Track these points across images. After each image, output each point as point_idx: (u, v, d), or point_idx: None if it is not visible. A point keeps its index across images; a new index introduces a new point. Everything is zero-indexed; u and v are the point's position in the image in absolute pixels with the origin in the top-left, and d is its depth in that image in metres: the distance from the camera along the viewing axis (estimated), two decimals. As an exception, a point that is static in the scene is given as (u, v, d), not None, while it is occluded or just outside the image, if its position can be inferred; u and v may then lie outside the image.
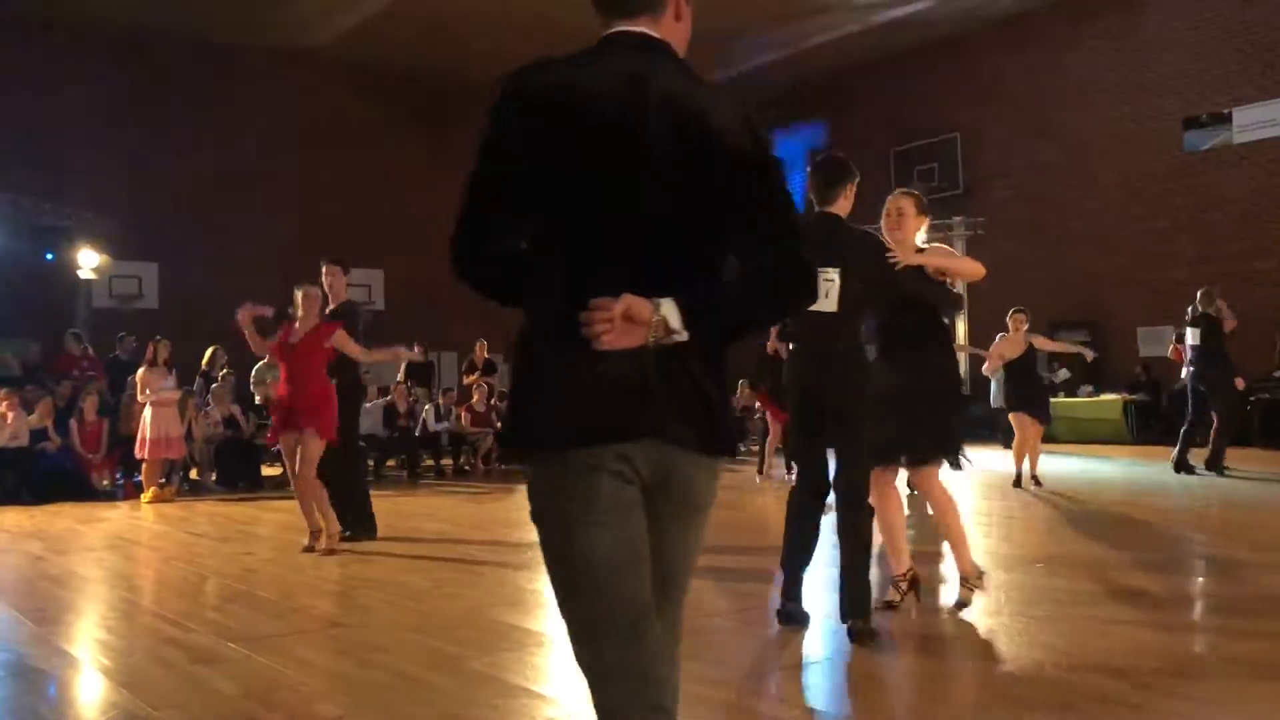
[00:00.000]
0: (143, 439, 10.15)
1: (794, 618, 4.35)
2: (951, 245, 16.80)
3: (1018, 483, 9.57)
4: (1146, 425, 15.03)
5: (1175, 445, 10.80)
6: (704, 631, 4.61)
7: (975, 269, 4.76)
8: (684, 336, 1.67)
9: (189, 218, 15.93)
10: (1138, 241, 15.81)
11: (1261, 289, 14.31)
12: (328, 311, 7.03)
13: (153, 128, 16.00)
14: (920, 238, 4.69)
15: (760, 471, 11.20)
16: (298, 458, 6.58)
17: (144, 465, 10.25)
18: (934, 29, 17.11)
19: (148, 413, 10.19)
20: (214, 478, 11.39)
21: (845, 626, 4.14)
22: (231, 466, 11.52)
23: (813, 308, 4.21)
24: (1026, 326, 9.84)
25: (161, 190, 15.85)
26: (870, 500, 4.35)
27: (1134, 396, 15.39)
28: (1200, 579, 5.61)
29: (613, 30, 1.83)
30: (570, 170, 1.71)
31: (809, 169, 4.54)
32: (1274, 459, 10.96)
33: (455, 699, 3.41)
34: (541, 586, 4.82)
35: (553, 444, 1.74)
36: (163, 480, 10.44)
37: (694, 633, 4.57)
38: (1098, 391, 15.89)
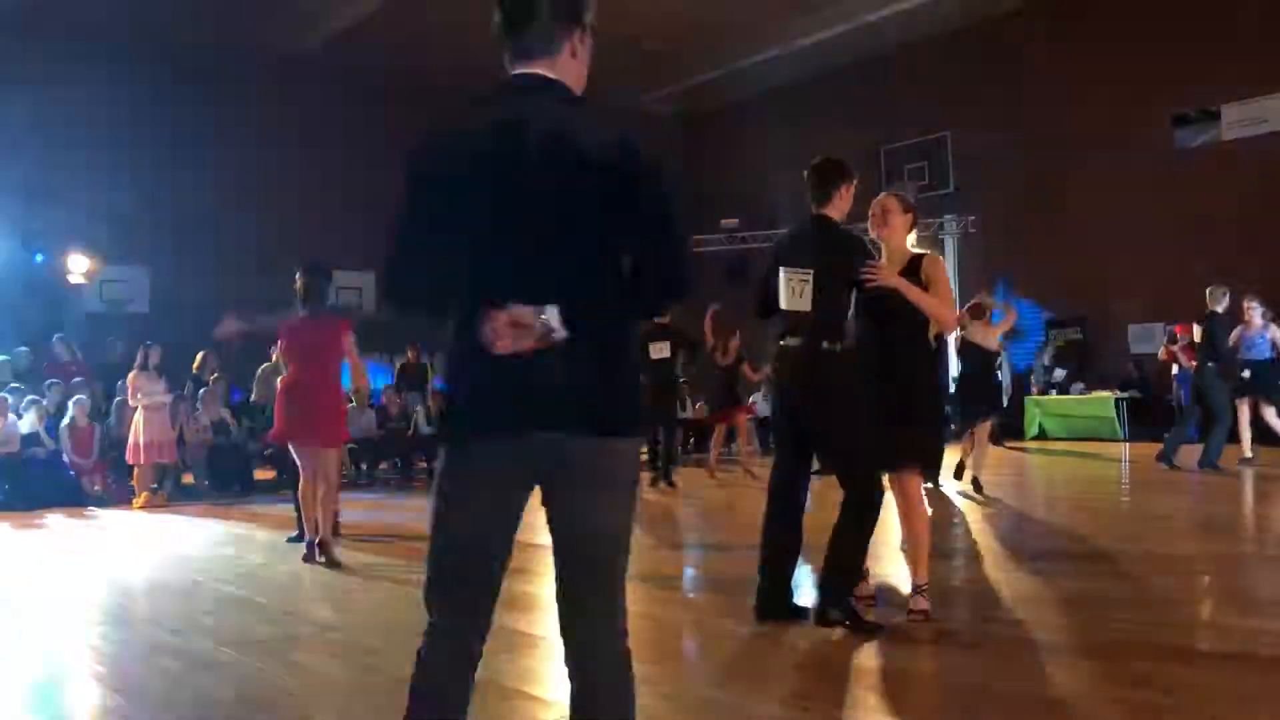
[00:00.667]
0: (135, 443, 10.12)
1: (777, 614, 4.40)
2: (941, 244, 16.88)
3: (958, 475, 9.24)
4: (1138, 422, 15.07)
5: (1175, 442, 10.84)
6: (706, 633, 4.61)
7: (946, 317, 4.48)
8: (562, 335, 1.94)
9: (180, 222, 15.87)
10: (1128, 239, 15.86)
11: (1251, 286, 14.36)
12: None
13: (144, 131, 15.92)
14: (910, 239, 4.66)
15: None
16: (319, 466, 6.42)
17: (136, 470, 10.22)
18: (924, 27, 17.13)
19: (139, 417, 10.16)
20: (206, 482, 11.36)
21: (815, 607, 4.35)
22: (223, 471, 11.49)
23: (789, 308, 4.32)
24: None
25: (153, 194, 15.78)
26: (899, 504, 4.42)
27: (1125, 394, 15.44)
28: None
29: (512, 73, 2.11)
30: (462, 206, 2.02)
31: (806, 171, 4.54)
32: (1268, 455, 10.96)
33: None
34: (537, 589, 4.81)
35: (458, 439, 2.07)
36: (154, 485, 10.41)
37: (694, 632, 4.58)
38: (1089, 389, 15.95)
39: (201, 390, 11.83)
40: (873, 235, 4.61)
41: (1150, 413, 14.92)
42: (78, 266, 14.28)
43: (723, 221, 18.37)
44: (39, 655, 4.32)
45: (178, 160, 16.04)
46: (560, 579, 2.08)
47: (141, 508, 9.88)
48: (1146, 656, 3.79)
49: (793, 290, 4.30)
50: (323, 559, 6.32)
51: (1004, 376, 15.26)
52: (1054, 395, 16.34)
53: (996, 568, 5.67)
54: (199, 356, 12.47)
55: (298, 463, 6.55)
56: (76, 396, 10.96)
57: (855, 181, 4.49)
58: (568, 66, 2.12)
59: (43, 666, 4.15)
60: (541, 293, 1.95)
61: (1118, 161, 15.96)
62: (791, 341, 4.35)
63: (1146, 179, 15.74)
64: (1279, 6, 14.42)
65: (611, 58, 16.24)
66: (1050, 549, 6.41)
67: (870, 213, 4.66)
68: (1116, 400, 15.35)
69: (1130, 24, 15.93)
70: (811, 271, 4.27)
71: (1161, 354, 13.44)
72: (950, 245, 16.99)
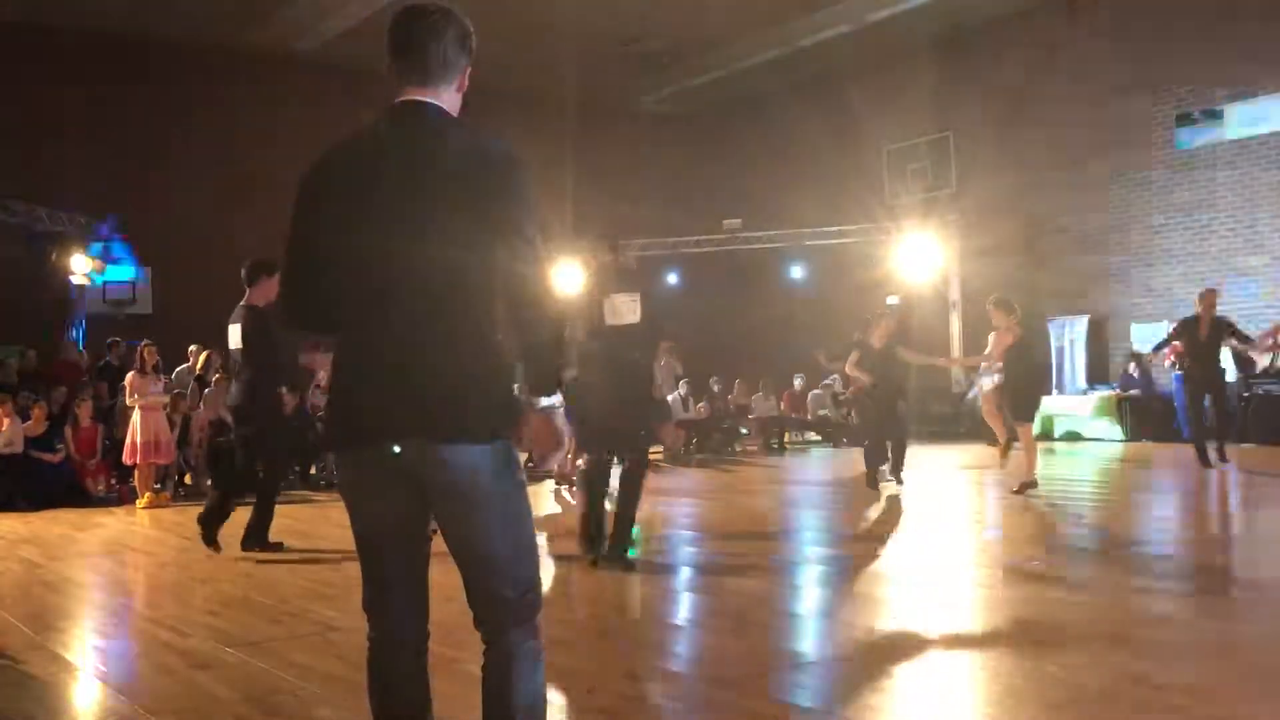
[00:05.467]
0: (132, 444, 10.07)
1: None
2: (945, 244, 16.84)
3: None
4: (1140, 422, 15.06)
5: (1171, 441, 10.82)
6: (702, 630, 4.63)
7: None
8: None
9: (182, 222, 15.89)
10: (1131, 239, 15.85)
11: (1253, 285, 14.37)
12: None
13: (146, 132, 15.98)
14: None
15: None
16: None
17: (136, 470, 10.22)
18: (927, 27, 17.12)
19: (136, 417, 10.09)
20: (209, 482, 11.36)
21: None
22: (227, 471, 11.49)
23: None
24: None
25: (155, 195, 15.82)
26: None
27: (1127, 393, 15.42)
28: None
29: (398, 99, 2.24)
30: (337, 228, 2.15)
31: None
32: (1268, 455, 10.97)
33: (453, 703, 3.39)
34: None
35: (337, 446, 2.25)
36: (157, 485, 10.42)
37: (689, 632, 4.59)
38: (1091, 389, 15.93)
39: (206, 390, 11.84)
40: None
41: (1151, 412, 14.91)
42: (80, 267, 14.29)
43: (725, 222, 18.38)
44: (41, 655, 4.33)
45: (180, 160, 16.08)
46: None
47: (145, 508, 9.89)
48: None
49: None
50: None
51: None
52: (1053, 395, 16.31)
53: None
54: (203, 357, 12.47)
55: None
56: (80, 397, 10.97)
57: None
58: (452, 96, 2.28)
59: (45, 666, 4.16)
60: (411, 305, 2.10)
61: (1120, 161, 15.95)
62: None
63: (1149, 178, 15.74)
64: (1277, 8, 14.41)
65: (611, 59, 16.22)
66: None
67: None
68: (1119, 401, 15.33)
69: (1133, 23, 15.92)
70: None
71: (1168, 352, 13.46)
72: (953, 245, 16.96)
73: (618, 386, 5.65)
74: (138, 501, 10.08)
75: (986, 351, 9.57)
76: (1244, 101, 14.94)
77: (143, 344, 10.56)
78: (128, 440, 10.16)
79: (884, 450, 9.93)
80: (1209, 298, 10.53)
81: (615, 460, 6.00)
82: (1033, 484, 8.88)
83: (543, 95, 18.30)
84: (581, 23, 15.99)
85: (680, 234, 18.07)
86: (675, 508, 9.17)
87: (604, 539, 5.88)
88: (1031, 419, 9.32)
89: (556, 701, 3.39)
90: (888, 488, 9.60)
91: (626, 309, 5.71)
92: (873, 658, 3.94)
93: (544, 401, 2.19)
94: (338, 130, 2.33)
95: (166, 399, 10.61)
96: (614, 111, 20.31)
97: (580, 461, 6.07)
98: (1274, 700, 3.30)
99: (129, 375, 10.46)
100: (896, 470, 9.91)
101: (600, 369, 5.68)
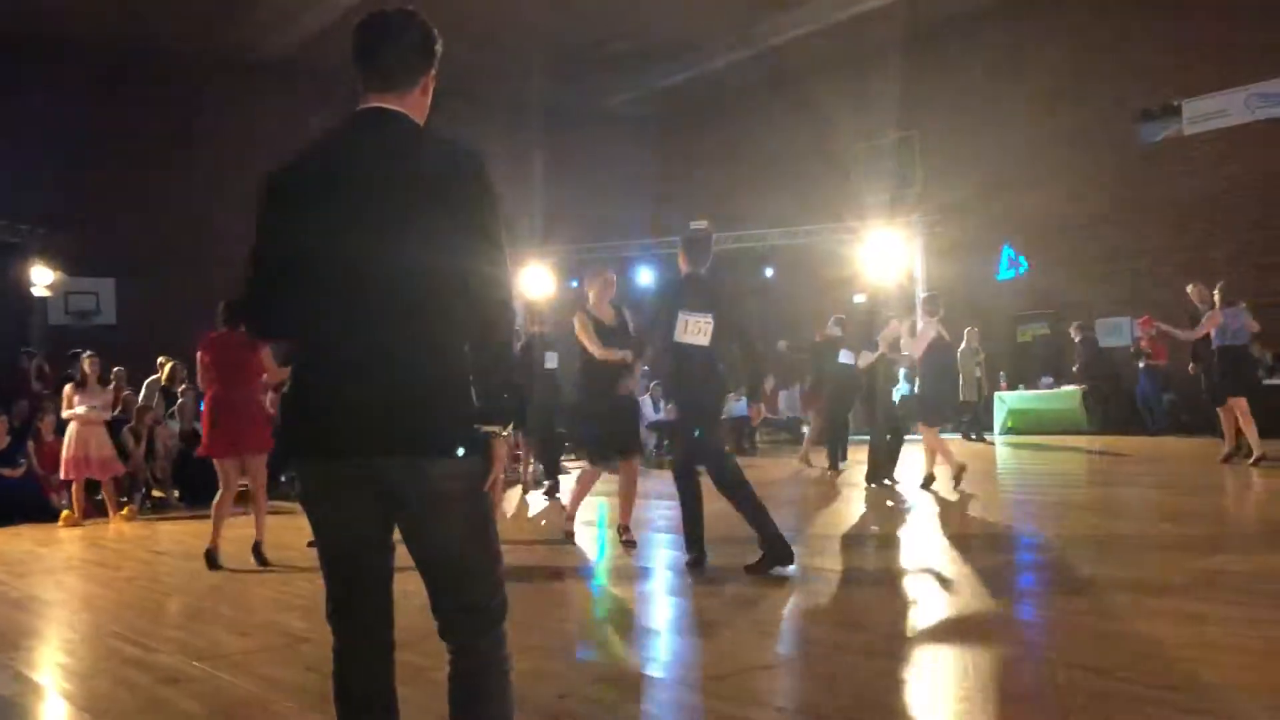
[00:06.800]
0: (68, 459, 9.66)
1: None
2: (910, 242, 16.97)
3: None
4: (1105, 416, 15.24)
5: (1135, 434, 10.98)
6: (674, 633, 4.63)
7: None
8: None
9: (147, 231, 15.72)
10: (1095, 234, 16.04)
11: (1215, 278, 14.56)
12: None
13: (108, 140, 15.78)
14: None
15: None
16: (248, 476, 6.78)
17: (103, 486, 9.99)
18: (892, 27, 17.25)
19: (71, 429, 9.74)
20: (176, 495, 11.24)
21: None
22: (193, 484, 11.37)
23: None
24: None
25: (118, 204, 15.63)
26: None
27: (1093, 385, 15.59)
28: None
29: (362, 106, 2.22)
30: (302, 234, 2.12)
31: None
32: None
33: (424, 711, 3.38)
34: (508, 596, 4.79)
35: (302, 456, 2.18)
36: (123, 499, 10.26)
37: (661, 636, 4.59)
38: (1057, 383, 16.10)
39: (178, 402, 11.71)
40: None
41: (1118, 406, 15.09)
42: (41, 278, 14.10)
43: (692, 223, 18.38)
44: (4, 674, 4.26)
45: (146, 168, 15.90)
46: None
47: (63, 526, 9.57)
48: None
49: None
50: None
51: (980, 373, 15.45)
52: (1020, 390, 16.49)
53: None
54: (167, 368, 12.34)
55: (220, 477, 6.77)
56: (42, 411, 10.81)
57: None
58: (417, 102, 2.27)
59: (9, 686, 4.09)
60: (379, 312, 2.07)
61: (1084, 157, 16.15)
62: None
63: (1113, 174, 15.95)
64: (1236, 5, 14.65)
65: (580, 61, 16.13)
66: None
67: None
68: (1084, 394, 15.51)
69: (1096, 21, 16.13)
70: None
71: (1144, 344, 13.66)
72: (918, 244, 17.08)
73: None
74: (61, 517, 9.76)
75: (902, 341, 9.70)
76: (1198, 98, 15.19)
77: (84, 355, 10.20)
78: (63, 454, 9.76)
79: (841, 443, 11.12)
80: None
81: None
82: (931, 479, 9.37)
83: (512, 97, 18.27)
84: (549, 25, 15.98)
85: (649, 235, 18.08)
86: (648, 510, 9.16)
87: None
88: (936, 424, 9.54)
89: (527, 706, 3.38)
90: (874, 489, 9.66)
91: (696, 329, 5.70)
92: (844, 658, 3.95)
93: (493, 428, 2.15)
94: (308, 134, 2.31)
95: (106, 414, 10.11)
96: (582, 113, 20.30)
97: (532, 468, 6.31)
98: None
99: (66, 387, 10.05)
100: (875, 474, 9.93)
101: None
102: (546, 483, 10.78)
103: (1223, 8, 14.76)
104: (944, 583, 5.30)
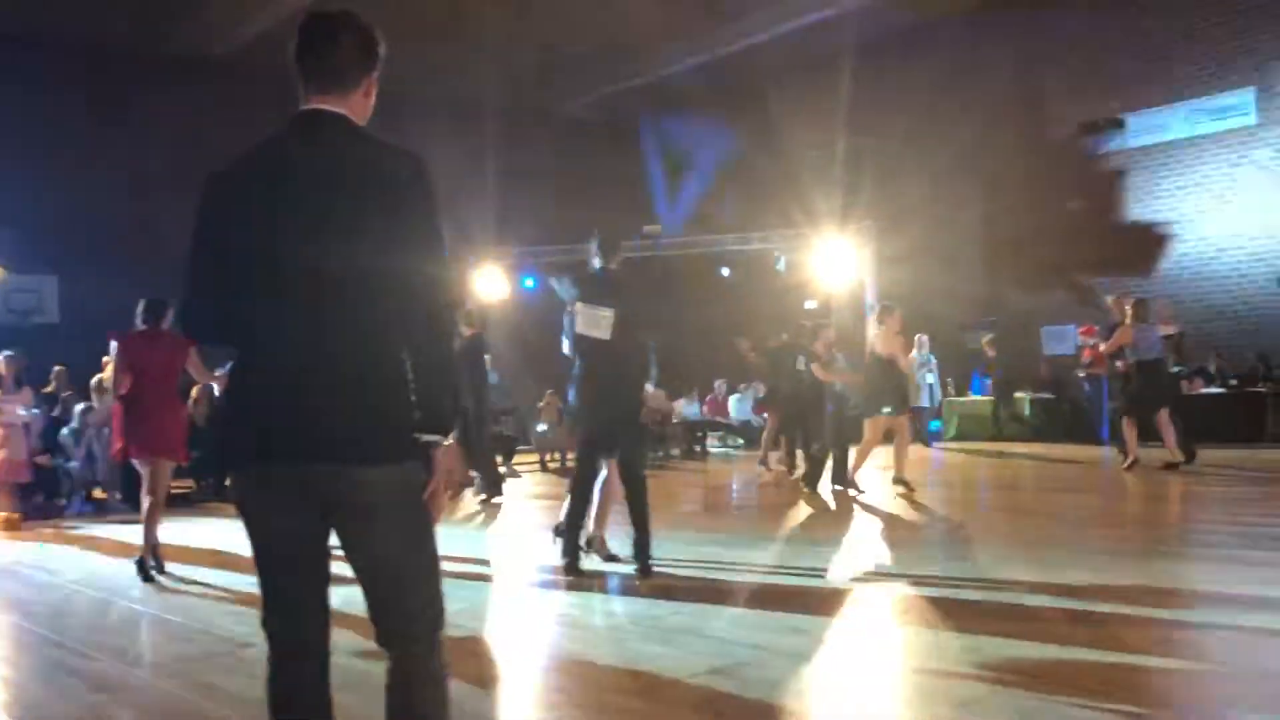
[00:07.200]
0: None
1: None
2: (861, 249, 17.14)
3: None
4: (1051, 424, 15.50)
5: (1086, 443, 11.16)
6: (628, 638, 4.63)
7: None
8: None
9: (91, 228, 15.41)
10: (1040, 243, 16.31)
11: (1155, 288, 14.91)
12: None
13: (52, 135, 15.44)
14: None
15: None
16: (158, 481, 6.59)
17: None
18: (842, 37, 17.42)
19: None
20: (119, 497, 11.03)
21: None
22: (135, 487, 11.15)
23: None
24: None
25: (61, 200, 15.30)
26: None
27: (1038, 395, 15.86)
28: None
29: (303, 108, 2.21)
30: (243, 238, 2.10)
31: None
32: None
33: (368, 717, 3.37)
34: (457, 594, 4.77)
35: (240, 462, 2.16)
36: (62, 500, 10.03)
37: (616, 642, 4.59)
38: (999, 391, 16.35)
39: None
40: None
41: (1063, 414, 15.36)
42: (-20, 276, 13.78)
43: (645, 228, 18.45)
44: (-64, 682, 4.16)
45: (90, 165, 15.59)
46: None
47: (8, 527, 9.31)
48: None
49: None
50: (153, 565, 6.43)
51: (934, 378, 15.66)
52: (970, 397, 16.75)
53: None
54: (110, 367, 12.09)
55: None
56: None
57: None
58: (359, 103, 2.25)
59: (-60, 694, 4.00)
60: (320, 316, 2.06)
61: (1030, 167, 16.44)
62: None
63: (1058, 184, 16.25)
64: (1178, 21, 15.01)
65: (534, 64, 16.01)
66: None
67: None
68: (1030, 402, 15.77)
69: (1042, 32, 16.43)
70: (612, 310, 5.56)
71: (1086, 355, 13.90)
72: (868, 252, 17.25)
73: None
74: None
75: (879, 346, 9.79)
76: (1141, 112, 15.54)
77: (2, 355, 9.96)
78: None
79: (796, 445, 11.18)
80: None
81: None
82: (854, 483, 9.62)
83: (466, 99, 18.17)
84: (504, 27, 15.92)
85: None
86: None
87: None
88: (875, 413, 9.58)
89: (471, 715, 3.37)
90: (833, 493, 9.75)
91: (594, 321, 5.70)
92: (794, 660, 3.99)
93: (433, 437, 2.14)
94: (253, 135, 2.29)
95: (28, 415, 9.83)
96: (537, 116, 20.26)
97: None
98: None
99: None
100: (815, 479, 10.01)
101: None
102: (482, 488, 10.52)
103: (1168, 24, 15.12)
104: (901, 585, 5.36)
